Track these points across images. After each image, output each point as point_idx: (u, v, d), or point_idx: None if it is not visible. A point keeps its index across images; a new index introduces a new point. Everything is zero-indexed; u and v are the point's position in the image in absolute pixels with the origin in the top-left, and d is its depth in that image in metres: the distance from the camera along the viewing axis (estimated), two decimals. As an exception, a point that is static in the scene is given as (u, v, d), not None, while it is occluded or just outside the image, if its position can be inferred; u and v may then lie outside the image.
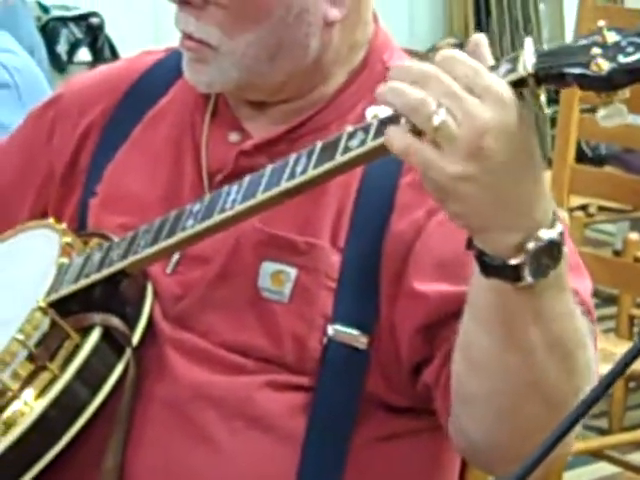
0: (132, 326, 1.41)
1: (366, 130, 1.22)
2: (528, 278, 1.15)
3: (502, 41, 6.04)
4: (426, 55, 5.17)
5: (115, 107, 1.63)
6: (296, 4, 1.42)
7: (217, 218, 1.31)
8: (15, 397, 1.41)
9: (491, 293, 1.19)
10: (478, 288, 1.21)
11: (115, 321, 1.41)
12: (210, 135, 1.54)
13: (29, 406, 1.40)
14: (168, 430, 1.42)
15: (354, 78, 1.49)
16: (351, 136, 1.23)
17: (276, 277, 1.39)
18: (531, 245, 1.15)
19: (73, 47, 4.46)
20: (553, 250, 1.15)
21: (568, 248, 1.22)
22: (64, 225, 1.55)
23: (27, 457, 1.40)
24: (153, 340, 1.42)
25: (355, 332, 1.35)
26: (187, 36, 1.43)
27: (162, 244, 1.37)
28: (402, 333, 1.34)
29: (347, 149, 1.23)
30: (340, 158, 1.23)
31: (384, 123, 1.19)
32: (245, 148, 1.48)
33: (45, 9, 4.32)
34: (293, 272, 1.37)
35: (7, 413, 1.40)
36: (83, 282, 1.42)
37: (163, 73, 1.63)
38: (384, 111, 1.23)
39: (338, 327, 1.35)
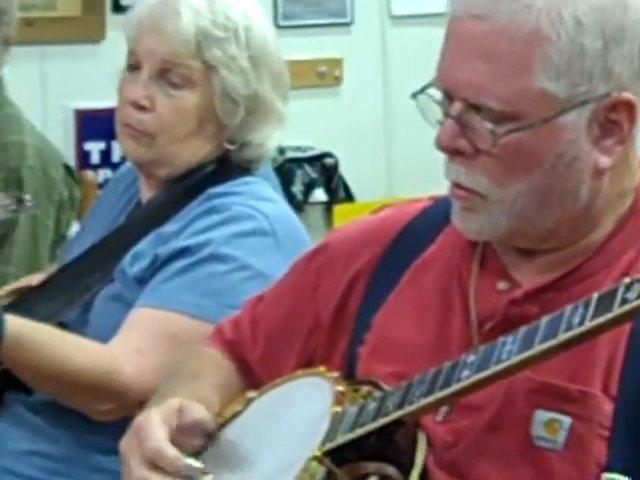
0: (406, 474, 1.41)
1: None
2: None
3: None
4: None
5: (383, 255, 1.66)
6: (568, 153, 1.41)
7: (494, 369, 1.30)
8: None
9: None
10: None
11: (390, 469, 1.41)
12: (478, 284, 1.54)
13: None
14: None
15: (622, 225, 1.48)
16: (628, 288, 1.22)
17: (550, 425, 1.36)
18: None
19: (308, 187, 4.47)
20: None
21: None
22: (336, 374, 1.56)
23: None
24: None
25: None
26: (457, 185, 1.45)
27: (438, 395, 1.37)
28: None
29: (625, 301, 1.22)
30: (618, 310, 1.21)
31: None
32: (516, 296, 1.46)
33: (281, 150, 4.30)
34: (567, 421, 1.34)
35: None
36: (359, 431, 1.44)
37: (430, 221, 1.65)
38: None
39: (612, 476, 1.32)
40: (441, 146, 1.47)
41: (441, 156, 1.59)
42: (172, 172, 2.22)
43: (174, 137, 2.21)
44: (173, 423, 1.56)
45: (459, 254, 1.60)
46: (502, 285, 1.53)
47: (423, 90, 1.51)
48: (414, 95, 1.52)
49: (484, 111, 1.44)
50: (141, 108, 2.17)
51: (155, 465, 1.54)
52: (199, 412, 1.60)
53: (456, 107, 1.45)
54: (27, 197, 2.23)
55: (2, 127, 2.75)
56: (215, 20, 2.18)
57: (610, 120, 1.46)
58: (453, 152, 1.46)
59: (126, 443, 1.58)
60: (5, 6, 2.69)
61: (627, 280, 1.24)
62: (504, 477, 1.43)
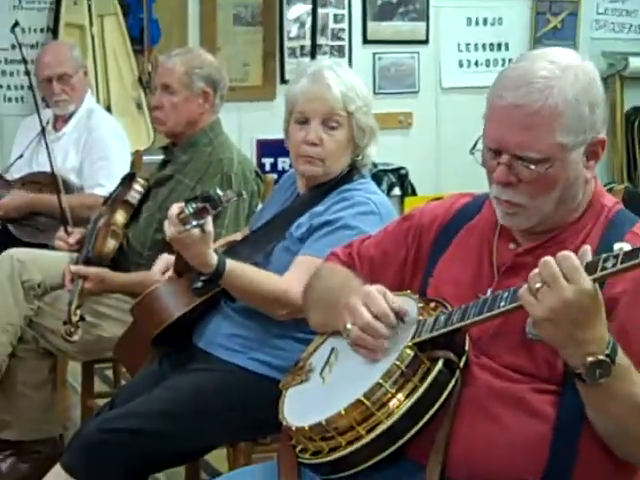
0: (460, 357, 1.68)
1: (616, 257, 1.46)
2: (587, 380, 1.48)
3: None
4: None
5: (445, 224, 1.93)
6: (572, 174, 1.70)
7: (519, 302, 1.53)
8: (393, 397, 1.67)
9: (580, 387, 1.52)
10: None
11: (451, 355, 1.68)
12: (498, 245, 1.81)
13: (401, 403, 1.66)
14: (473, 414, 1.69)
15: (585, 212, 1.76)
16: (605, 260, 1.47)
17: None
18: (587, 361, 1.48)
19: (390, 187, 5.31)
20: (601, 366, 1.47)
21: None
22: (417, 295, 1.82)
23: (396, 435, 1.67)
24: (468, 364, 1.69)
25: None
26: (505, 201, 1.72)
27: (485, 315, 1.62)
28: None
29: (604, 269, 1.47)
30: (595, 274, 1.47)
31: (627, 254, 1.44)
32: (519, 252, 1.76)
33: (375, 165, 4.71)
34: None
35: (388, 406, 1.67)
36: (435, 333, 1.69)
37: (472, 208, 1.92)
38: (626, 246, 1.48)
39: None
40: (498, 182, 1.69)
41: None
42: (328, 178, 2.57)
43: (334, 159, 2.54)
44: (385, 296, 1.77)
45: (488, 227, 1.83)
46: (511, 245, 1.79)
47: (473, 148, 1.75)
48: (471, 151, 1.76)
49: (526, 159, 1.67)
50: (314, 145, 2.50)
51: (377, 316, 1.76)
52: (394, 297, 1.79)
53: (504, 158, 1.68)
54: (243, 192, 2.53)
55: (220, 148, 3.17)
56: (348, 89, 2.51)
57: (592, 151, 1.72)
58: (505, 184, 1.69)
59: (354, 301, 1.78)
60: (220, 78, 3.22)
61: (604, 255, 1.48)
62: (509, 356, 1.70)
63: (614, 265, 1.46)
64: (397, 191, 5.29)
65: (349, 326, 1.75)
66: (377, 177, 5.12)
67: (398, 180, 5.25)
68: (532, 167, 1.65)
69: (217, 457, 2.84)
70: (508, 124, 1.65)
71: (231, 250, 2.59)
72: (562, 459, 1.63)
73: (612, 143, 6.16)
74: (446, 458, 1.65)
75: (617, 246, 1.47)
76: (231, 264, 2.37)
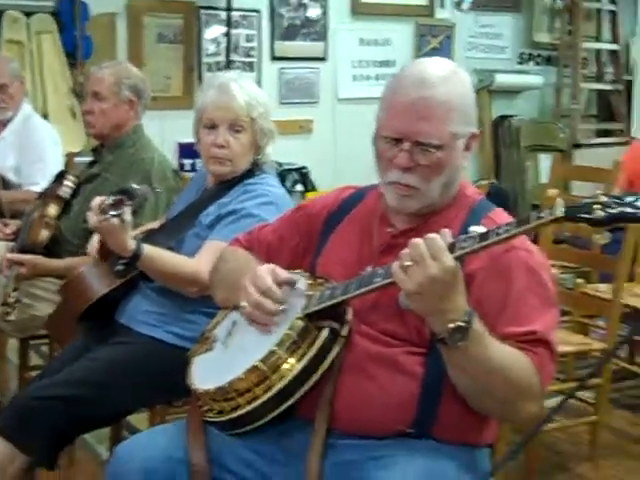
0: (343, 325, 1.70)
1: (472, 238, 1.50)
2: (449, 344, 1.51)
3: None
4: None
5: (332, 212, 1.92)
6: (456, 162, 1.73)
7: (391, 279, 1.54)
8: (285, 362, 1.66)
9: (442, 350, 1.55)
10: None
11: (335, 324, 1.69)
12: (378, 228, 1.81)
13: (293, 367, 1.66)
14: (354, 374, 1.69)
15: (454, 200, 1.78)
16: (464, 240, 1.50)
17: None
18: (449, 327, 1.50)
19: (294, 184, 5.31)
20: (460, 332, 1.49)
21: (538, 296, 1.60)
22: (307, 273, 1.82)
23: (289, 394, 1.66)
24: (350, 332, 1.70)
25: None
26: (400, 184, 1.71)
27: (364, 289, 1.64)
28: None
29: (462, 248, 1.50)
30: (455, 253, 1.49)
31: (481, 235, 1.49)
32: (394, 234, 1.78)
33: (280, 164, 4.93)
34: None
35: (281, 370, 1.66)
36: (322, 305, 1.70)
37: (354, 198, 1.92)
38: (481, 229, 1.51)
39: None
40: (400, 167, 1.69)
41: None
42: (234, 174, 2.54)
43: (239, 158, 2.51)
44: (273, 274, 1.76)
45: (370, 214, 1.84)
46: (389, 229, 1.79)
47: (376, 138, 1.74)
48: (374, 140, 1.75)
49: (427, 145, 1.68)
50: (222, 147, 2.48)
51: (264, 293, 1.74)
52: (284, 272, 1.78)
53: (406, 145, 1.68)
54: (157, 187, 2.71)
55: (142, 150, 3.09)
56: (250, 98, 2.49)
57: (470, 143, 1.75)
58: (405, 169, 1.69)
59: (245, 281, 1.75)
60: (144, 88, 3.15)
61: (462, 237, 1.50)
62: (384, 323, 1.71)
63: (471, 245, 1.47)
64: (300, 187, 5.31)
65: (243, 304, 1.74)
66: (282, 175, 5.11)
67: (301, 178, 5.26)
68: (432, 151, 1.65)
69: (139, 419, 2.77)
70: (411, 116, 1.65)
71: (149, 237, 2.55)
72: (428, 411, 1.65)
73: (482, 146, 6.29)
74: (332, 413, 1.66)
75: (472, 229, 1.49)
76: (148, 249, 2.36)
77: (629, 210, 1.37)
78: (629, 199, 1.38)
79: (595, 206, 1.39)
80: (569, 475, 3.27)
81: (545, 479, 3.22)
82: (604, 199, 1.40)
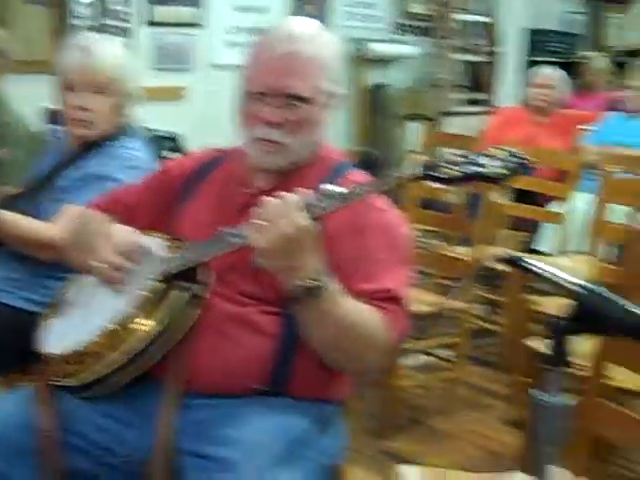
0: (201, 286, 1.70)
1: (329, 197, 1.53)
2: (300, 302, 1.54)
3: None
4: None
5: (194, 172, 1.91)
6: (321, 119, 1.77)
7: (245, 240, 1.56)
8: (141, 324, 1.67)
9: (294, 308, 1.57)
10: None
11: (194, 285, 1.69)
12: (237, 189, 1.82)
13: (152, 328, 1.66)
14: (212, 335, 1.69)
15: (315, 160, 1.80)
16: (320, 200, 1.53)
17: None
18: (300, 285, 1.53)
19: (164, 150, 4.76)
20: (312, 290, 1.52)
21: (390, 256, 1.64)
22: (166, 236, 1.81)
23: (148, 357, 1.66)
24: (208, 293, 1.69)
25: None
26: (267, 140, 1.71)
27: (219, 250, 1.65)
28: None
29: (319, 208, 1.53)
30: (311, 212, 1.51)
31: (339, 193, 1.53)
32: (253, 193, 1.77)
33: (149, 130, 3.96)
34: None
35: (136, 333, 1.66)
36: (179, 268, 1.71)
37: (214, 161, 1.92)
38: (335, 187, 1.53)
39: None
40: (268, 122, 1.69)
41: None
42: (96, 138, 2.50)
43: (102, 121, 2.50)
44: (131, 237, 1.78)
45: (230, 175, 1.84)
46: (248, 190, 1.81)
47: (242, 95, 1.74)
48: (242, 98, 1.74)
49: (298, 99, 1.69)
50: (85, 109, 2.46)
51: (118, 253, 1.75)
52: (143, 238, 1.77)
53: (277, 100, 1.69)
54: (4, 150, 2.57)
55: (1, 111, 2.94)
56: (112, 59, 2.47)
57: (334, 102, 1.79)
58: (273, 125, 1.69)
59: (98, 241, 1.75)
60: (7, 49, 3.04)
61: (318, 194, 1.52)
62: (242, 283, 1.72)
63: (329, 204, 1.50)
64: (171, 154, 4.84)
65: (96, 264, 1.73)
66: (153, 141, 4.04)
67: (172, 144, 4.96)
68: (299, 105, 1.67)
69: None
70: (279, 70, 1.66)
71: (6, 202, 2.50)
72: (283, 369, 1.66)
73: (358, 113, 6.29)
74: (188, 374, 1.65)
75: (324, 187, 1.51)
76: (4, 214, 2.34)
77: (482, 170, 1.43)
78: (483, 160, 1.44)
79: (451, 165, 1.44)
80: (421, 427, 3.38)
81: (398, 432, 3.30)
82: (460, 159, 1.45)
